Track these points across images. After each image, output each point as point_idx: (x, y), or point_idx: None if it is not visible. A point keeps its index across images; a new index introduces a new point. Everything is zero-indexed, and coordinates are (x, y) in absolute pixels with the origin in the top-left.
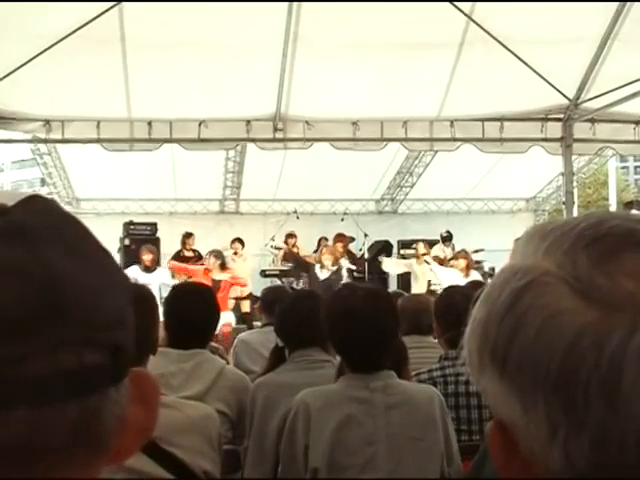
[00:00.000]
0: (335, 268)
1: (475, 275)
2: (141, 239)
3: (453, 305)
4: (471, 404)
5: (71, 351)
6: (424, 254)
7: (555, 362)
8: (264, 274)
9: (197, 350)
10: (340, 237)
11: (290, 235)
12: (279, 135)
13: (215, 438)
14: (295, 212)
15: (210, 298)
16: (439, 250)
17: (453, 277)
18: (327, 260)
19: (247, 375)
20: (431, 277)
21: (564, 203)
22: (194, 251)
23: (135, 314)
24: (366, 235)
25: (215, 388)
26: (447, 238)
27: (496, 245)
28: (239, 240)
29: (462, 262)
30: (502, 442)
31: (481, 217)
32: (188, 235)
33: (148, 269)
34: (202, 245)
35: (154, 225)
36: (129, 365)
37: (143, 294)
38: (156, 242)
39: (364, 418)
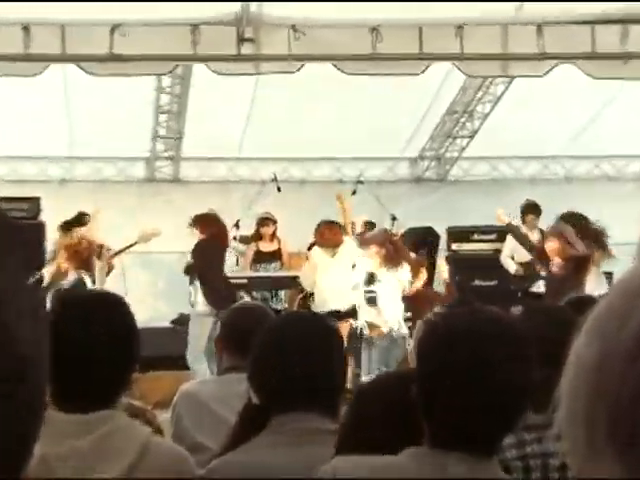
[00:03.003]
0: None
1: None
2: None
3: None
4: None
5: None
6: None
7: None
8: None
9: (102, 413)
10: (329, 226)
11: (265, 220)
12: (247, 50)
13: None
14: (274, 180)
15: (120, 316)
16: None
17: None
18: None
19: (194, 454)
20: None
21: None
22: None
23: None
24: (394, 218)
25: None
26: (530, 210)
27: (615, 233)
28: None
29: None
30: None
31: (588, 187)
32: (84, 218)
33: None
34: (116, 234)
35: (35, 202)
36: None
37: None
38: (37, 230)
39: None
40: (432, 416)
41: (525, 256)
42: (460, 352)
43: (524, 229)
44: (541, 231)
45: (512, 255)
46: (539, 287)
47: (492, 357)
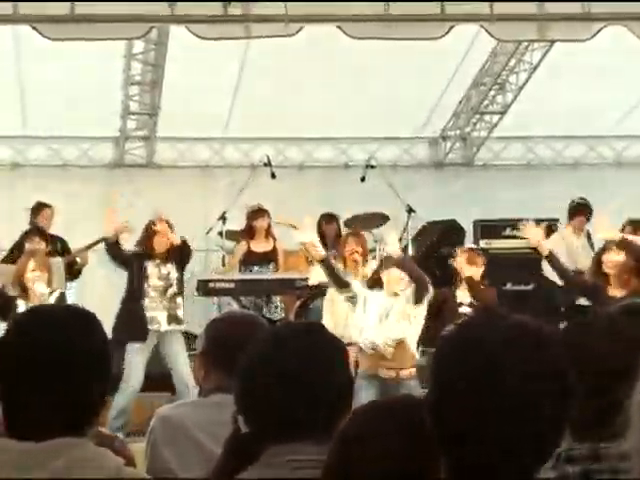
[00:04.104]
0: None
1: None
2: None
3: (585, 346)
4: None
5: None
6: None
7: None
8: (206, 288)
9: (62, 440)
10: (329, 219)
11: (258, 212)
12: (235, 10)
13: None
14: (268, 164)
15: (88, 330)
16: (560, 239)
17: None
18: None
19: None
20: None
21: None
22: (52, 240)
23: None
24: (411, 210)
25: None
26: (581, 212)
27: None
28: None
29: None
30: None
31: None
32: (41, 208)
33: None
34: (78, 228)
35: None
36: None
37: None
38: None
39: None
40: (449, 447)
41: (573, 262)
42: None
43: (569, 231)
44: (588, 235)
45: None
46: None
47: (514, 377)
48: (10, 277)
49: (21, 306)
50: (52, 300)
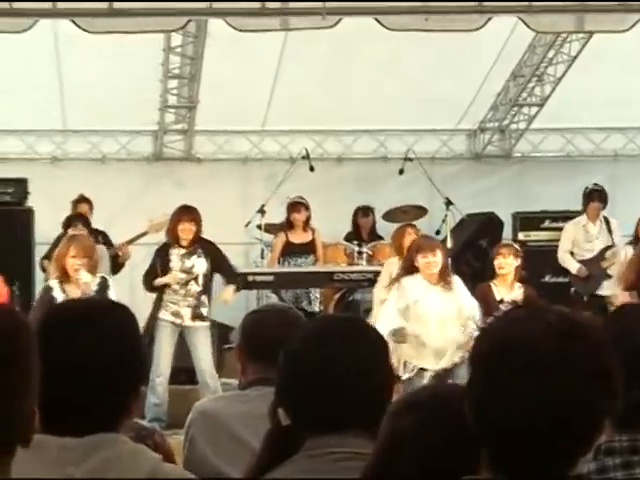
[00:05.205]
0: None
1: None
2: None
3: (631, 340)
4: None
5: None
6: None
7: None
8: (245, 282)
9: (101, 436)
10: (365, 211)
11: (297, 205)
12: (273, 2)
13: None
14: (306, 157)
15: (123, 327)
16: (578, 227)
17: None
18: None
19: None
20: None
21: None
22: (96, 233)
23: None
24: (449, 203)
25: None
26: (595, 198)
27: None
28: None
29: None
30: None
31: None
32: (79, 202)
33: None
34: (117, 221)
35: (22, 183)
36: None
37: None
38: (25, 217)
39: None
40: (488, 438)
41: (589, 251)
42: (509, 361)
43: (584, 218)
44: (606, 220)
45: (572, 250)
46: (605, 289)
47: (554, 366)
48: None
49: (57, 289)
50: (94, 287)
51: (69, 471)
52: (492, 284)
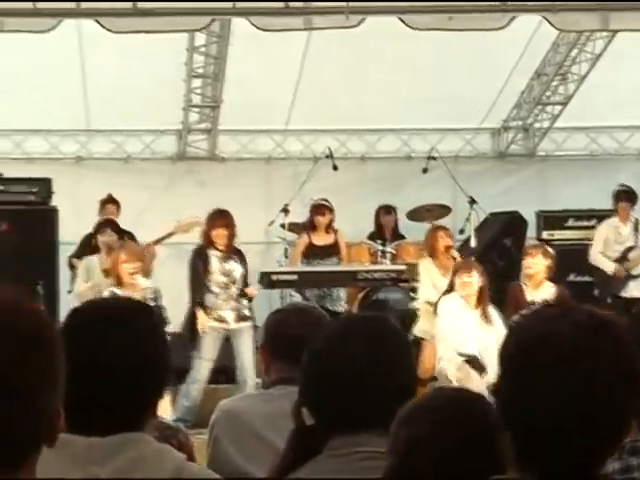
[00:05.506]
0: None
1: None
2: (21, 213)
3: None
4: None
5: None
6: None
7: None
8: (268, 281)
9: (126, 436)
10: (387, 210)
11: (321, 208)
12: (296, 3)
13: None
14: (330, 156)
15: (153, 329)
16: (611, 228)
17: None
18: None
19: None
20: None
21: None
22: (123, 234)
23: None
24: (473, 201)
25: None
26: (624, 198)
27: None
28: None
29: None
30: None
31: None
32: (106, 202)
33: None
34: (141, 221)
35: (46, 183)
36: None
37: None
38: (51, 217)
39: None
40: (515, 438)
41: (617, 252)
42: (534, 359)
43: (617, 221)
44: (637, 223)
45: (601, 251)
46: (631, 291)
47: (580, 365)
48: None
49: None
50: (150, 294)
51: (94, 471)
52: (523, 284)
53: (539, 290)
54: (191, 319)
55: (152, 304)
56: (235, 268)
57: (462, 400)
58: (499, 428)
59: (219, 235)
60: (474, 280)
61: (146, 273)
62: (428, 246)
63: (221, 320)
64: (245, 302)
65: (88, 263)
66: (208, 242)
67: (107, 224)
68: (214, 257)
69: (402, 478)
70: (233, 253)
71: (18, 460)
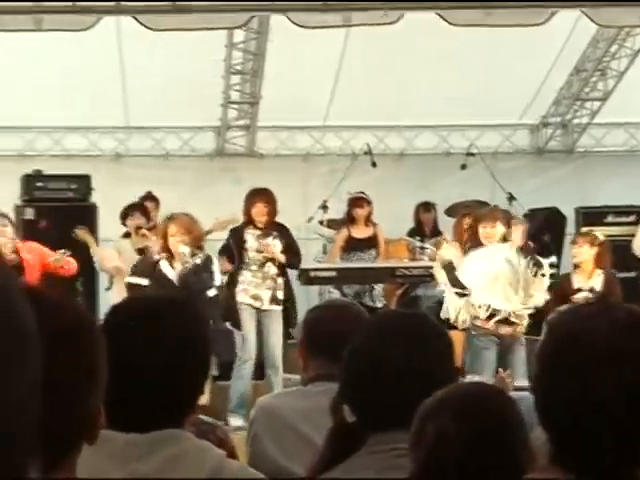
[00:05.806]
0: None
1: None
2: (61, 209)
3: None
4: None
5: None
6: None
7: None
8: (307, 277)
9: (166, 432)
10: (426, 207)
11: (359, 200)
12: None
13: None
14: (368, 152)
15: (193, 325)
16: None
17: None
18: None
19: None
20: None
21: None
22: (149, 217)
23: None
24: (512, 198)
25: None
26: None
27: None
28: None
29: None
30: None
31: None
32: (149, 199)
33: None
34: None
35: (85, 180)
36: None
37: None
38: (90, 214)
39: None
40: (551, 436)
41: None
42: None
43: None
44: None
45: None
46: None
47: (615, 363)
48: (111, 261)
49: (165, 266)
50: (197, 260)
51: (134, 467)
52: (571, 273)
53: (589, 279)
54: (227, 298)
55: (201, 271)
56: (275, 244)
57: (479, 396)
58: (518, 424)
59: (258, 212)
60: (497, 231)
61: (196, 243)
62: (455, 232)
63: (256, 298)
64: (281, 283)
65: (118, 244)
66: (248, 220)
67: (135, 208)
68: (249, 235)
69: (430, 472)
70: (273, 229)
71: (59, 458)
